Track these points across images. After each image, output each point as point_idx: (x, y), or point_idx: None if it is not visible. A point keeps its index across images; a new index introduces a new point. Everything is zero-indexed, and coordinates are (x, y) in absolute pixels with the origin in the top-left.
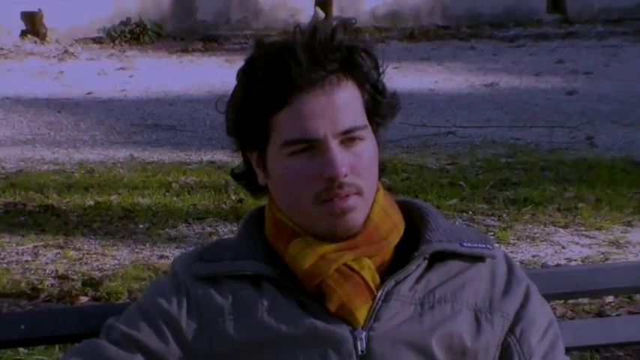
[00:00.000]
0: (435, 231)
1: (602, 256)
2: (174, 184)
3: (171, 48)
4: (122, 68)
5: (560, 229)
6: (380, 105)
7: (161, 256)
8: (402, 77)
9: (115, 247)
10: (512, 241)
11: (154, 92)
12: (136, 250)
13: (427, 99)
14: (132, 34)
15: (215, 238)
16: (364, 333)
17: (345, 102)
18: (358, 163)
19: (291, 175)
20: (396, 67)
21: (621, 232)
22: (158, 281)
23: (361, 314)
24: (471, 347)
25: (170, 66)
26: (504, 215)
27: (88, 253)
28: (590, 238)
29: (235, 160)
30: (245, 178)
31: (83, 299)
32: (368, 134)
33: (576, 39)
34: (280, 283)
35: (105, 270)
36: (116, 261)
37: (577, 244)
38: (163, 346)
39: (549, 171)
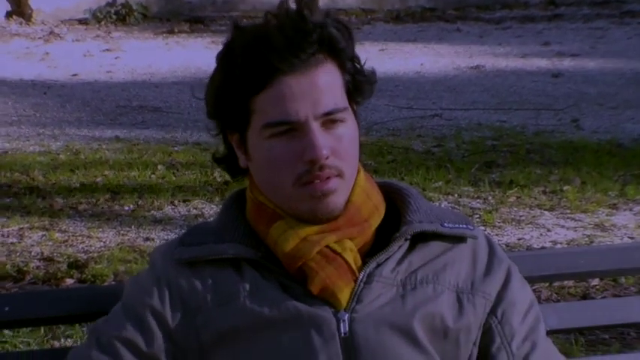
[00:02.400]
0: (415, 212)
1: (587, 239)
2: (159, 166)
3: (157, 29)
4: (108, 50)
5: (546, 212)
6: (360, 84)
7: (147, 238)
8: (388, 59)
9: (101, 229)
10: (497, 224)
11: (139, 74)
12: (122, 232)
13: (413, 81)
14: (118, 16)
15: (200, 220)
16: (347, 315)
17: (326, 83)
18: (339, 146)
19: (271, 157)
20: (382, 49)
21: (606, 215)
22: (137, 277)
23: (344, 296)
24: (452, 327)
25: (156, 47)
26: (490, 198)
27: (73, 235)
28: (576, 220)
29: (221, 141)
30: (225, 161)
31: (69, 281)
32: (348, 116)
33: (562, 21)
34: (262, 266)
35: (90, 252)
36: (102, 243)
37: (562, 226)
38: (152, 342)
39: (535, 154)
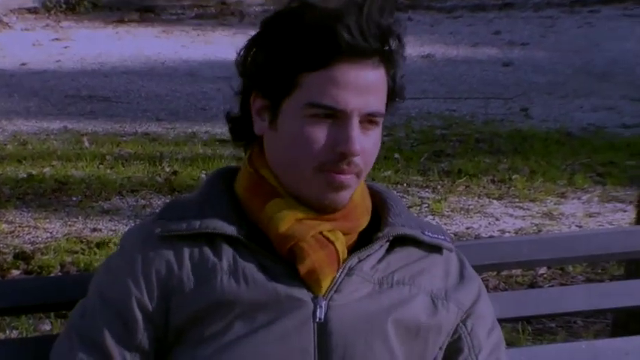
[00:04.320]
0: (398, 216)
1: (535, 227)
2: (108, 157)
3: (107, 18)
4: (57, 39)
5: (495, 201)
6: (394, 97)
7: (94, 229)
8: None
9: (48, 220)
10: (446, 213)
11: (89, 63)
12: (69, 222)
13: None
14: (67, 5)
15: (149, 210)
16: (324, 302)
17: (378, 85)
18: (368, 148)
19: (304, 136)
20: None
21: (555, 204)
22: (109, 265)
23: (326, 284)
24: (425, 324)
25: (106, 37)
26: (439, 187)
27: (20, 226)
28: (524, 209)
29: (170, 132)
30: (237, 122)
31: (14, 273)
32: (381, 122)
33: (513, 10)
34: (241, 244)
35: (37, 243)
36: (49, 234)
37: (511, 215)
38: (137, 331)
39: (484, 143)
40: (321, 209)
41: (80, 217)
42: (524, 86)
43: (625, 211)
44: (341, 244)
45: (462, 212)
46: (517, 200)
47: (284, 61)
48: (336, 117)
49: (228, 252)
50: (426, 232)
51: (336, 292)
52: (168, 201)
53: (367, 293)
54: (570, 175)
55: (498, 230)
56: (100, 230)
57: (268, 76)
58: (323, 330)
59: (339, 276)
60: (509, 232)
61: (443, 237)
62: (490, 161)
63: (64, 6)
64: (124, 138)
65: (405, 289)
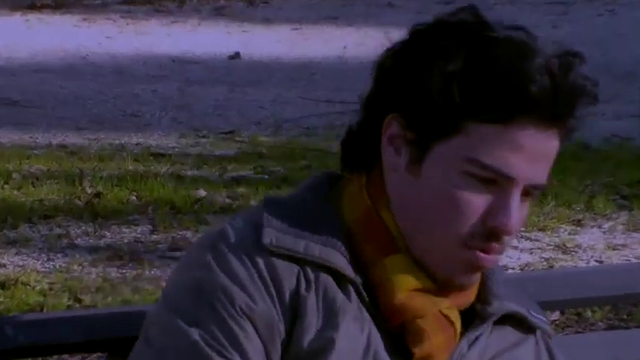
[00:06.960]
0: (501, 285)
1: (545, 262)
2: (15, 174)
3: (14, 4)
4: None
5: None
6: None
7: None
8: (302, 41)
9: None
10: None
11: None
12: None
13: (334, 68)
14: None
15: (65, 241)
16: None
17: (551, 155)
18: (519, 223)
19: (456, 197)
20: (296, 29)
21: (569, 234)
22: (231, 270)
23: None
24: None
25: (14, 26)
26: None
27: None
28: (532, 240)
29: (93, 143)
30: (359, 141)
31: None
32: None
33: None
34: (359, 293)
35: None
36: None
37: (516, 248)
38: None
39: None
40: (444, 285)
41: None
42: None
43: None
44: (459, 324)
45: None
46: (523, 229)
47: (453, 99)
48: (498, 183)
49: (353, 295)
50: (532, 312)
51: None
52: (266, 199)
53: None
54: (589, 197)
55: (501, 266)
56: (5, 266)
57: (425, 107)
58: None
59: None
60: (512, 268)
61: (544, 318)
62: None
63: None
64: (36, 151)
65: None
